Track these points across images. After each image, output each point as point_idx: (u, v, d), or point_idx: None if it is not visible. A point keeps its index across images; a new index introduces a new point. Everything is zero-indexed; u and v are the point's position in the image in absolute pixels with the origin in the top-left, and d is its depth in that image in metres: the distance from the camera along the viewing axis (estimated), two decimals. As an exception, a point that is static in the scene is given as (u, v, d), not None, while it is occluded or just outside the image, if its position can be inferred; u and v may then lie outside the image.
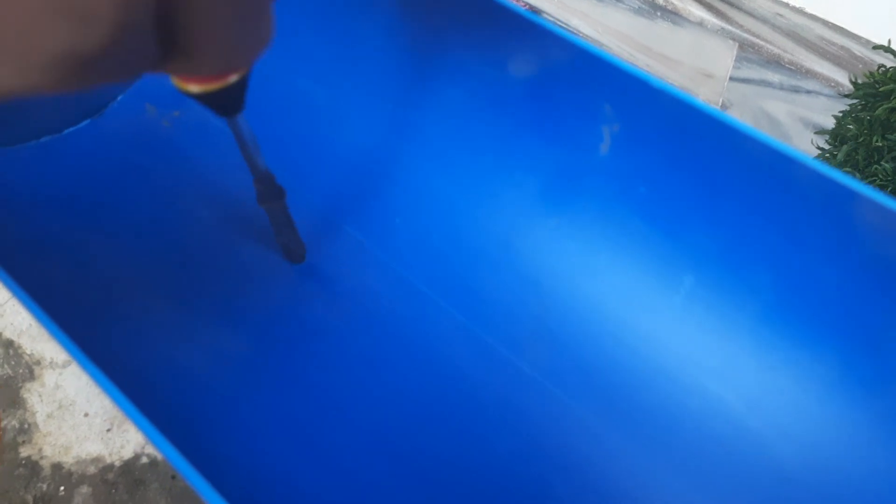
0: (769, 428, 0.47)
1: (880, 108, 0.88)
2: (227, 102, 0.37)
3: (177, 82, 0.33)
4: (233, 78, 0.34)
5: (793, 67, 1.17)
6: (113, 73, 0.21)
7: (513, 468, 0.48)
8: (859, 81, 1.00)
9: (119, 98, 0.61)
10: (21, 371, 0.85)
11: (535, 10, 1.27)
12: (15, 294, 0.36)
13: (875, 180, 0.88)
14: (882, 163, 0.86)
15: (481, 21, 0.51)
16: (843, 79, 1.12)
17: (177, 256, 0.56)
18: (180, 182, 0.59)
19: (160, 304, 0.52)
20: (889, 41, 1.04)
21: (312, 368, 0.52)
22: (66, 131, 0.58)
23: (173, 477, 0.81)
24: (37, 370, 0.85)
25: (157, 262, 0.55)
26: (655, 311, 0.51)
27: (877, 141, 0.88)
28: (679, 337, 0.50)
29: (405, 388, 0.51)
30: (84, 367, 0.33)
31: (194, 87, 0.33)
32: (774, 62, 1.17)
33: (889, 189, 0.85)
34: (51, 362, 0.86)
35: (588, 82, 0.47)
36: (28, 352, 0.86)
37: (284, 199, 0.52)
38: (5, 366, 0.85)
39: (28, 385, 0.84)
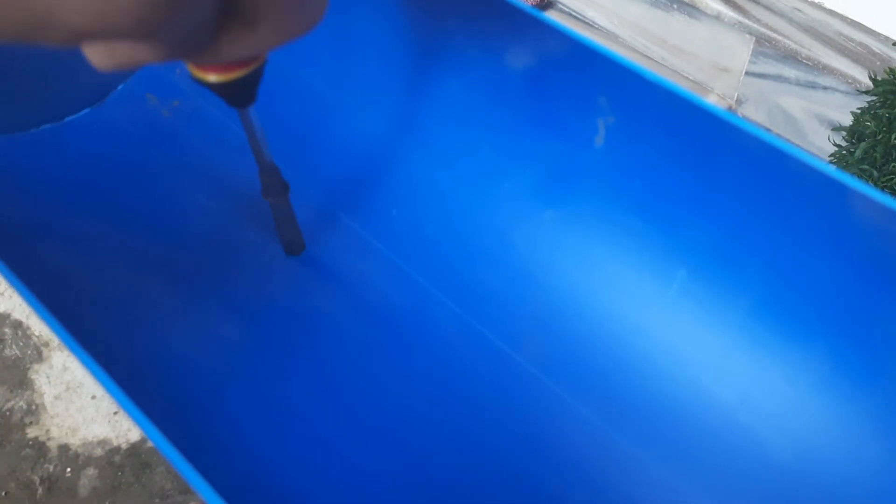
0: (760, 421, 0.47)
1: (900, 106, 0.87)
2: (242, 92, 0.37)
3: (195, 73, 0.33)
4: (250, 67, 0.34)
5: (810, 63, 1.15)
6: (177, 36, 0.21)
7: (506, 459, 0.48)
8: (879, 78, 0.99)
9: (119, 87, 0.62)
10: (29, 352, 0.86)
11: (550, 1, 1.26)
12: (10, 282, 0.36)
13: (893, 178, 0.87)
14: (900, 161, 0.85)
15: (479, 14, 0.50)
16: (860, 75, 1.10)
17: (175, 244, 0.56)
18: (180, 171, 0.60)
19: (158, 292, 0.53)
20: (910, 38, 1.02)
21: (308, 357, 0.52)
22: (66, 119, 0.59)
23: (178, 461, 0.82)
24: (45, 351, 0.86)
25: (155, 250, 0.55)
26: (648, 305, 0.51)
27: (895, 139, 0.86)
28: (671, 331, 0.50)
29: (400, 379, 0.52)
30: (76, 354, 0.33)
31: (213, 77, 0.33)
32: (791, 57, 1.15)
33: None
34: (59, 344, 0.87)
35: (583, 74, 0.47)
36: (36, 333, 0.87)
37: (288, 194, 0.53)
38: (13, 346, 0.86)
39: (36, 366, 0.85)
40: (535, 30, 0.47)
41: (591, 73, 0.46)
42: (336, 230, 0.58)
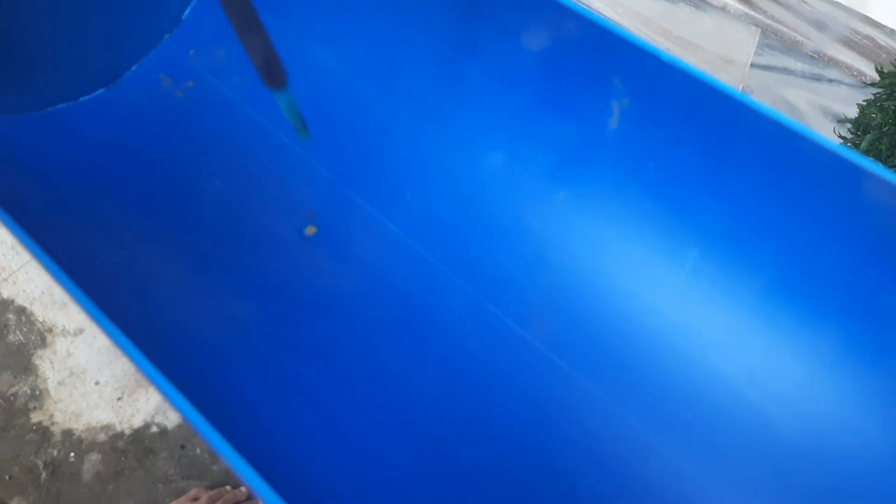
0: (768, 400, 0.47)
1: (906, 98, 0.87)
2: None
3: None
4: None
5: (815, 55, 1.15)
6: None
7: (516, 437, 0.49)
8: (885, 71, 0.99)
9: (133, 68, 0.62)
10: (33, 338, 0.86)
11: (555, -8, 1.26)
12: (37, 257, 0.36)
13: (899, 169, 0.87)
14: (906, 152, 0.85)
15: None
16: (865, 68, 1.10)
17: (189, 224, 0.56)
18: (193, 151, 0.59)
19: (173, 271, 0.53)
20: (916, 30, 1.02)
21: (320, 336, 0.52)
22: (80, 99, 0.59)
23: (182, 447, 0.82)
24: (49, 337, 0.86)
25: (169, 229, 0.55)
26: (660, 285, 0.51)
27: (902, 130, 0.87)
28: (683, 311, 0.50)
29: (410, 358, 0.52)
30: (104, 329, 0.33)
31: None
32: (797, 49, 1.15)
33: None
34: (63, 330, 0.87)
35: (598, 56, 0.46)
36: (40, 319, 0.87)
37: None
38: (17, 332, 0.86)
39: (40, 352, 0.85)
40: (550, 11, 0.47)
41: (606, 55, 0.46)
42: (349, 211, 0.58)
